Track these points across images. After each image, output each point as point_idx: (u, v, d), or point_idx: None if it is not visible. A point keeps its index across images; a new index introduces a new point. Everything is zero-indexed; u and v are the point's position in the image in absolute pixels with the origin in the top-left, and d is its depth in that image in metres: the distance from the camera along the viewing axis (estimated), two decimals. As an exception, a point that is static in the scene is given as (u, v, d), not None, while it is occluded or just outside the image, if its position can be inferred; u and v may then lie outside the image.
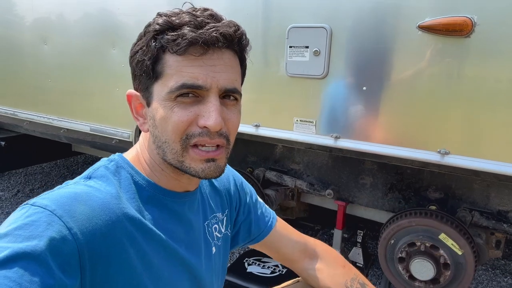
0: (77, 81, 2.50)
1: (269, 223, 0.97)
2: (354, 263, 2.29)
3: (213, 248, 0.83)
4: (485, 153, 1.45)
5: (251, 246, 0.99)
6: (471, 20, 1.35)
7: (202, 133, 0.63)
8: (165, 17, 0.63)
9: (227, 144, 0.67)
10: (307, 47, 1.66)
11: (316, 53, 1.64)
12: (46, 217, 0.55)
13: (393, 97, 1.56)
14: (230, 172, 0.94)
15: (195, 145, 0.65)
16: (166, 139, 0.65)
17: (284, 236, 0.98)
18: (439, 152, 1.50)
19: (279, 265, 2.34)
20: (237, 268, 2.28)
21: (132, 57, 0.68)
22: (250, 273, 2.27)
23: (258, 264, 2.35)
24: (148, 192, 0.70)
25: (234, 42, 0.65)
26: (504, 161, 1.42)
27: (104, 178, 0.67)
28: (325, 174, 2.17)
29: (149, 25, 0.66)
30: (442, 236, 1.74)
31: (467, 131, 1.46)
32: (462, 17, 1.36)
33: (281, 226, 0.99)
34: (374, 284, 2.40)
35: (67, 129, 2.62)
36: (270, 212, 0.99)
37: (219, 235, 0.85)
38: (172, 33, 0.62)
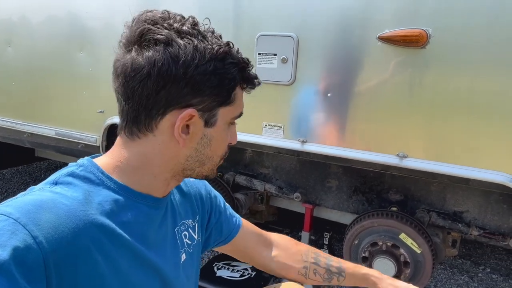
0: (42, 84, 2.44)
1: (237, 222, 1.01)
2: (321, 265, 2.35)
3: (183, 255, 0.82)
4: (441, 156, 1.55)
5: (220, 250, 1.02)
6: (426, 32, 1.45)
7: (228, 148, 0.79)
8: (242, 56, 0.72)
9: None
10: (275, 54, 1.72)
11: (284, 61, 1.70)
12: (9, 226, 0.54)
13: (356, 103, 1.64)
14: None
15: None
16: (213, 155, 0.75)
17: (248, 233, 1.03)
18: (397, 155, 1.59)
19: (248, 269, 2.36)
20: (207, 273, 2.28)
21: (199, 75, 0.66)
22: (220, 277, 2.28)
23: (228, 268, 2.36)
24: (119, 196, 0.68)
25: None
26: (458, 164, 1.52)
27: (71, 185, 0.65)
28: (293, 178, 2.23)
29: (226, 53, 0.69)
30: (402, 236, 1.83)
31: (424, 136, 1.56)
32: (418, 29, 1.46)
33: (246, 224, 1.05)
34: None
35: (31, 133, 2.55)
36: (236, 214, 1.05)
37: (189, 242, 0.85)
38: (250, 73, 0.73)
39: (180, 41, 0.65)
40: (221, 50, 0.68)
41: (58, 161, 3.95)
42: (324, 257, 1.06)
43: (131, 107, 0.68)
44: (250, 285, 2.31)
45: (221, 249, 1.03)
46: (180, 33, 0.66)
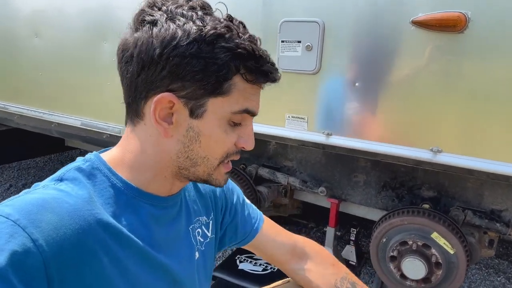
0: (68, 74, 2.47)
1: (256, 225, 0.94)
2: (347, 261, 2.28)
3: (196, 253, 0.80)
4: (479, 151, 1.43)
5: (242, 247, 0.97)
6: (464, 15, 1.32)
7: (237, 152, 0.69)
8: (248, 43, 0.61)
9: None
10: (299, 41, 1.64)
11: (309, 48, 1.62)
12: (8, 228, 0.51)
13: (386, 93, 1.54)
14: None
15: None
16: (207, 155, 0.66)
17: (271, 238, 0.95)
18: (431, 150, 1.48)
19: (271, 263, 2.33)
20: (229, 266, 2.26)
21: (179, 56, 0.59)
22: (242, 270, 2.25)
23: (250, 261, 2.33)
24: (126, 196, 0.66)
25: None
26: (497, 160, 1.40)
27: (76, 181, 0.62)
28: (318, 172, 2.15)
29: (220, 35, 0.60)
30: (434, 235, 1.72)
31: (460, 130, 1.44)
32: (456, 13, 1.33)
33: (269, 228, 0.96)
34: (366, 282, 2.39)
35: (58, 123, 2.59)
36: (257, 214, 0.97)
37: (202, 240, 0.82)
38: (255, 65, 0.62)
39: (165, 22, 0.60)
40: (211, 32, 0.59)
41: (88, 150, 4.05)
42: None
43: (124, 90, 0.67)
44: (273, 279, 2.27)
45: (246, 248, 0.97)
46: (172, 14, 0.61)
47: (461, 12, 1.33)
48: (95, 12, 2.26)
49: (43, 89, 2.62)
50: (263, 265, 2.30)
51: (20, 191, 0.61)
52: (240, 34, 0.62)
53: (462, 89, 1.40)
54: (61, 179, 0.62)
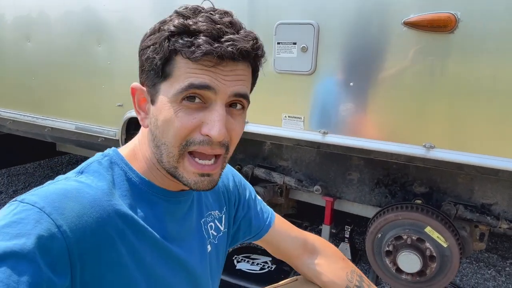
0: (62, 78, 2.46)
1: (268, 220, 0.96)
2: (342, 258, 2.31)
3: (209, 246, 0.82)
4: (468, 146, 1.48)
5: (254, 242, 0.99)
6: (454, 16, 1.38)
7: (203, 141, 0.62)
8: (182, 19, 0.60)
9: (225, 153, 0.66)
10: (294, 43, 1.67)
11: (304, 49, 1.65)
12: (34, 215, 0.54)
13: (379, 92, 1.58)
14: (229, 170, 0.94)
15: (192, 153, 0.63)
16: (166, 141, 0.63)
17: (283, 233, 0.98)
18: (424, 146, 1.53)
19: (268, 262, 2.35)
20: (227, 266, 2.27)
21: (142, 50, 0.65)
22: (240, 270, 2.27)
23: (247, 261, 2.36)
24: (141, 190, 0.68)
25: (251, 57, 0.63)
26: (486, 154, 1.45)
27: (96, 174, 0.65)
28: (313, 171, 2.19)
29: (164, 22, 0.63)
30: (428, 229, 1.77)
31: (452, 126, 1.49)
32: (446, 13, 1.38)
33: (280, 223, 0.99)
34: (361, 278, 2.43)
35: (52, 128, 2.58)
36: (269, 209, 0.99)
37: (215, 234, 0.84)
38: (187, 39, 0.59)
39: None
40: (164, 22, 0.63)
41: (79, 155, 4.01)
42: (367, 285, 0.97)
43: None
44: (270, 278, 2.29)
45: (258, 243, 0.99)
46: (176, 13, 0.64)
47: (451, 13, 1.38)
48: (88, 16, 2.26)
49: (36, 94, 2.61)
50: (260, 264, 2.33)
51: (12, 198, 0.63)
52: (189, 16, 0.61)
53: (451, 86, 1.45)
54: (81, 172, 0.66)
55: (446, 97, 1.47)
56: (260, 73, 0.71)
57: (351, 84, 1.62)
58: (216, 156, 0.65)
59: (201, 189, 0.66)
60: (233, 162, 2.40)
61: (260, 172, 2.24)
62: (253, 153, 2.33)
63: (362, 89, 1.61)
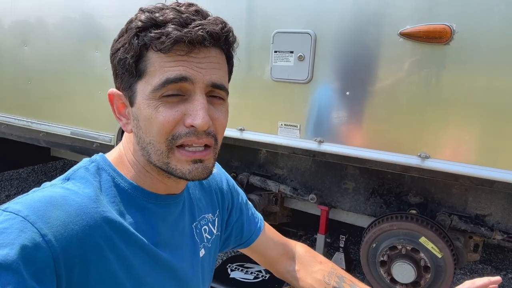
0: (58, 83, 2.45)
1: (259, 224, 0.96)
2: (336, 268, 2.30)
3: (202, 250, 0.80)
4: (463, 157, 1.49)
5: (242, 251, 0.98)
6: (450, 28, 1.39)
7: (189, 133, 0.61)
8: (148, 13, 0.60)
9: (215, 144, 0.65)
10: (291, 52, 1.69)
11: (301, 58, 1.67)
12: (18, 224, 0.53)
13: (375, 102, 1.59)
14: (222, 172, 0.93)
15: (181, 146, 0.62)
16: (151, 140, 0.62)
17: (270, 237, 0.98)
18: (419, 156, 1.54)
19: (262, 271, 2.33)
20: (220, 274, 2.26)
21: (113, 54, 0.64)
22: (233, 278, 2.25)
23: (241, 270, 2.33)
24: (130, 195, 0.67)
25: (221, 41, 0.62)
26: (481, 165, 1.46)
27: (83, 180, 0.63)
28: (309, 179, 2.19)
29: (131, 21, 0.62)
30: (423, 240, 1.77)
31: (448, 136, 1.50)
32: (442, 25, 1.40)
33: (268, 228, 0.99)
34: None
35: (47, 133, 2.56)
36: (259, 215, 0.99)
37: (209, 237, 0.83)
38: (156, 31, 0.59)
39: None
40: (131, 21, 0.61)
41: (73, 160, 3.98)
42: (349, 284, 0.96)
43: None
44: (264, 288, 2.28)
45: (243, 251, 0.99)
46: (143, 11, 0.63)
47: (446, 25, 1.40)
48: (87, 22, 2.27)
49: (31, 98, 2.60)
50: (254, 273, 2.31)
51: (4, 202, 0.61)
52: (155, 11, 0.61)
53: (447, 97, 1.46)
54: (68, 179, 0.64)
55: (441, 107, 1.48)
56: (235, 60, 0.71)
57: (347, 93, 1.63)
58: (206, 146, 0.64)
59: (197, 178, 0.64)
60: (228, 169, 2.39)
61: (255, 180, 2.23)
62: (248, 160, 2.33)
63: (358, 99, 1.62)
